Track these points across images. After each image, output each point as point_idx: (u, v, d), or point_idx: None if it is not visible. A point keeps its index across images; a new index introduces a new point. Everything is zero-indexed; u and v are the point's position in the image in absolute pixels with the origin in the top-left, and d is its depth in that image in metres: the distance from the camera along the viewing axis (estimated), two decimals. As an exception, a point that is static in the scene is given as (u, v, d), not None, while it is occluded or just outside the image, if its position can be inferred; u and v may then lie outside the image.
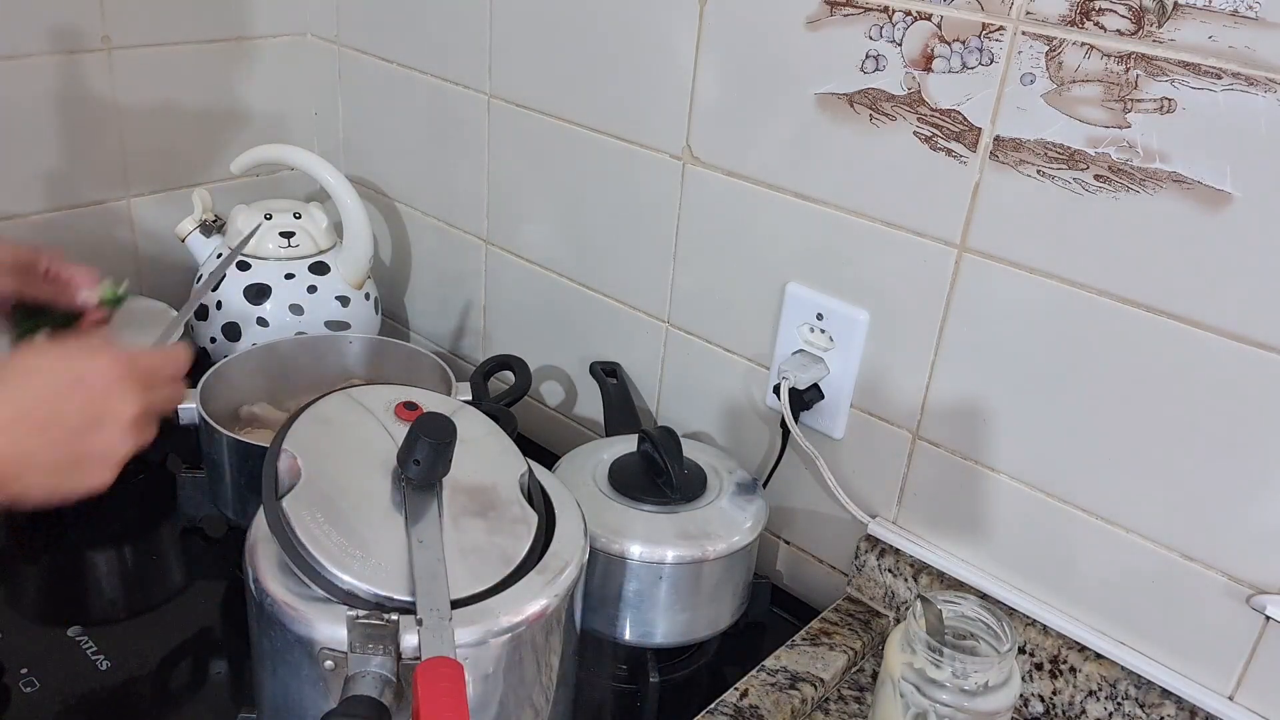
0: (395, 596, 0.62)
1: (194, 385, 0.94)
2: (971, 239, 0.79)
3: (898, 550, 0.90)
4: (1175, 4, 0.65)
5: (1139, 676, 0.77)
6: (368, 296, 1.19)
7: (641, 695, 0.86)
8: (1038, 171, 0.74)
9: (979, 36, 0.74)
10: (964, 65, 0.75)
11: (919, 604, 0.71)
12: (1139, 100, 0.68)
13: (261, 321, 1.11)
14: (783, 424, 0.92)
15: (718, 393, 1.01)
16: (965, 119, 0.76)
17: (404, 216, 1.29)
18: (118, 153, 1.18)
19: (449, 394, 0.97)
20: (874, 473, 0.91)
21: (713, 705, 0.79)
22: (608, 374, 1.07)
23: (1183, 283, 0.70)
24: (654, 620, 0.85)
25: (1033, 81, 0.72)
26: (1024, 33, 0.72)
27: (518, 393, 1.02)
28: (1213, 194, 0.67)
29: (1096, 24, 0.69)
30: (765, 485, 0.96)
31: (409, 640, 0.59)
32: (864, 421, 0.90)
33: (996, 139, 0.75)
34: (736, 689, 0.81)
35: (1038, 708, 0.82)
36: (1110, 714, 0.79)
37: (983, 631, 0.72)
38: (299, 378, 1.05)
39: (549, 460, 0.89)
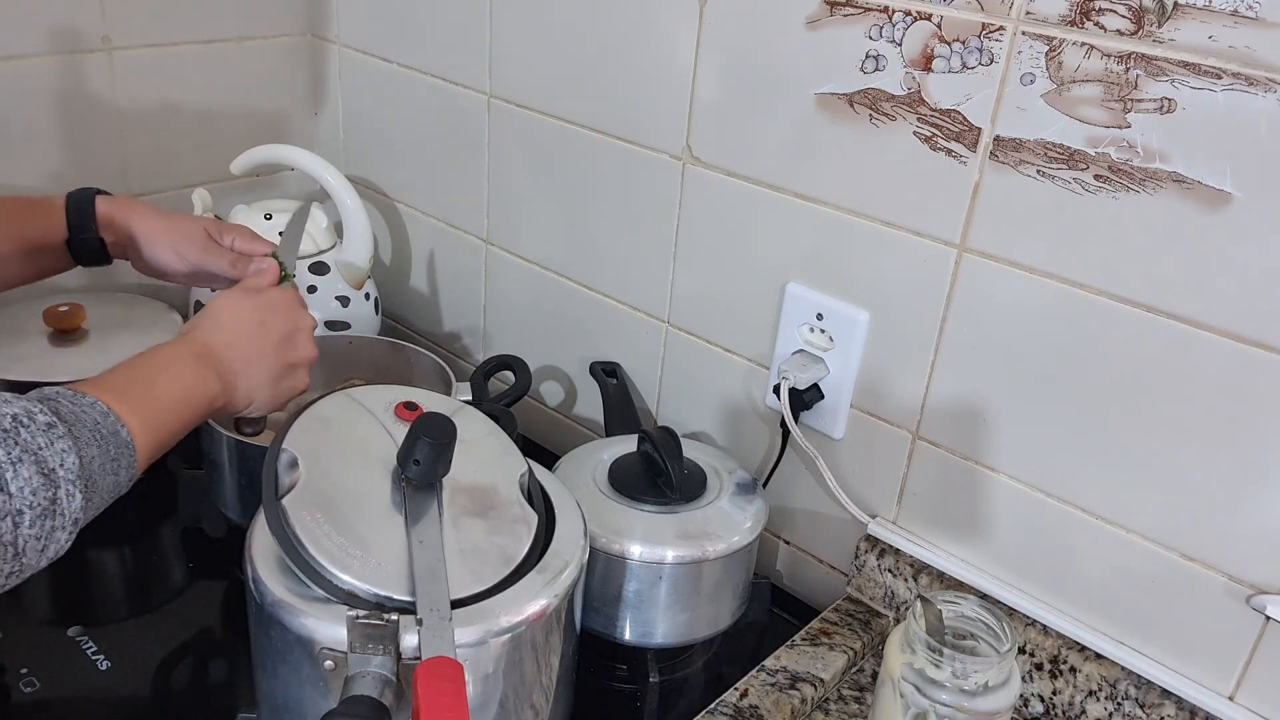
0: (395, 596, 0.62)
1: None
2: (971, 239, 0.79)
3: (898, 550, 0.90)
4: (1175, 4, 0.65)
5: (1139, 676, 0.77)
6: (368, 296, 1.19)
7: (641, 695, 0.86)
8: (1038, 171, 0.74)
9: (979, 36, 0.74)
10: (964, 65, 0.75)
11: (919, 604, 0.71)
12: (1139, 100, 0.68)
13: (261, 321, 1.11)
14: (783, 424, 0.92)
15: (718, 393, 1.01)
16: (965, 119, 0.76)
17: (404, 216, 1.29)
18: (118, 153, 1.18)
19: (449, 394, 0.97)
20: (874, 473, 0.91)
21: (713, 705, 0.79)
22: (608, 374, 1.07)
23: (1183, 283, 0.70)
24: (654, 620, 0.85)
25: (1033, 81, 0.72)
26: (1024, 33, 0.72)
27: (518, 393, 1.02)
28: (1213, 194, 0.67)
29: (1096, 24, 0.69)
30: (765, 485, 0.96)
31: (409, 640, 0.59)
32: (864, 421, 0.90)
33: (996, 139, 0.75)
34: (736, 689, 0.81)
35: (1038, 708, 0.82)
36: (1110, 714, 0.79)
37: (983, 631, 0.72)
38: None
39: (549, 460, 0.89)
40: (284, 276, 0.90)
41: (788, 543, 1.01)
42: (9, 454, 0.55)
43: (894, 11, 0.78)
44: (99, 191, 0.88)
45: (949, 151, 0.78)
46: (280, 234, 1.14)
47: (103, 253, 0.87)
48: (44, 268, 0.87)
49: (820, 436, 0.93)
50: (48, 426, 0.57)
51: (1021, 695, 0.79)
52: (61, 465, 0.57)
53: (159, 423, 0.66)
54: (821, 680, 0.83)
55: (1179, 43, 0.66)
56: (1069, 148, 0.72)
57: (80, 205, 0.86)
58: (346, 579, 0.62)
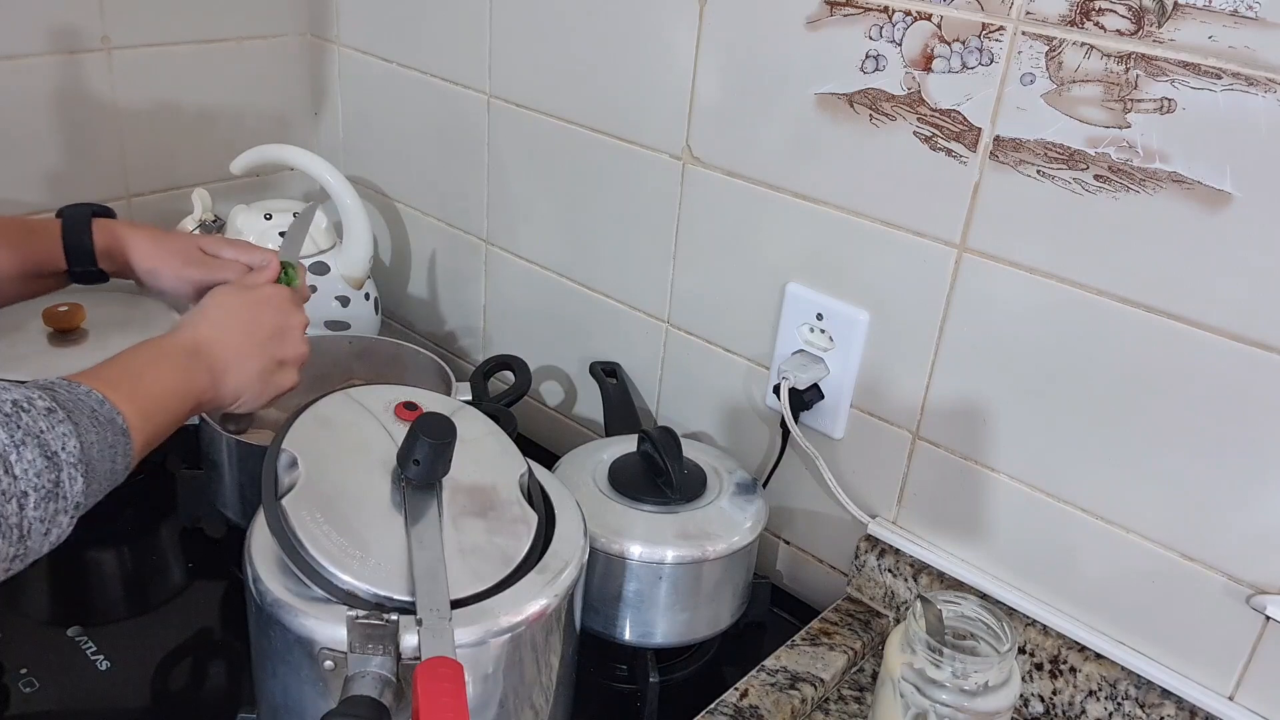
0: (395, 596, 0.62)
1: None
2: (971, 239, 0.79)
3: (898, 550, 0.90)
4: (1175, 4, 0.65)
5: (1139, 676, 0.77)
6: (368, 296, 1.19)
7: (641, 695, 0.86)
8: (1038, 171, 0.74)
9: (979, 36, 0.74)
10: (964, 65, 0.75)
11: (919, 604, 0.71)
12: (1139, 100, 0.68)
13: (261, 321, 1.11)
14: (783, 424, 0.92)
15: (718, 393, 1.01)
16: (965, 119, 0.76)
17: (404, 216, 1.29)
18: (118, 153, 1.18)
19: (449, 394, 0.97)
20: (874, 473, 0.91)
21: (713, 705, 0.79)
22: (608, 374, 1.07)
23: (1183, 283, 0.70)
24: (654, 620, 0.85)
25: (1033, 81, 0.72)
26: (1024, 33, 0.72)
27: (518, 393, 1.02)
28: (1213, 194, 0.67)
29: (1096, 24, 0.69)
30: (765, 485, 0.96)
31: (409, 640, 0.59)
32: (864, 421, 0.90)
33: (996, 139, 0.75)
34: (736, 689, 0.81)
35: (1038, 708, 0.82)
36: (1110, 714, 0.79)
37: (983, 631, 0.72)
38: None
39: (549, 460, 0.89)
40: (286, 278, 0.90)
41: (788, 543, 1.01)
42: (12, 437, 0.55)
43: (894, 11, 0.78)
44: (94, 211, 0.87)
45: (949, 151, 0.78)
46: (281, 234, 1.14)
47: (102, 277, 0.88)
48: (42, 289, 0.87)
49: (820, 436, 0.93)
50: (48, 411, 0.57)
51: (1021, 695, 0.79)
52: (63, 448, 0.57)
53: (151, 414, 0.66)
54: (821, 680, 0.83)
55: (1179, 43, 0.66)
56: (1069, 148, 0.72)
57: (76, 234, 0.85)
58: (346, 579, 0.62)
